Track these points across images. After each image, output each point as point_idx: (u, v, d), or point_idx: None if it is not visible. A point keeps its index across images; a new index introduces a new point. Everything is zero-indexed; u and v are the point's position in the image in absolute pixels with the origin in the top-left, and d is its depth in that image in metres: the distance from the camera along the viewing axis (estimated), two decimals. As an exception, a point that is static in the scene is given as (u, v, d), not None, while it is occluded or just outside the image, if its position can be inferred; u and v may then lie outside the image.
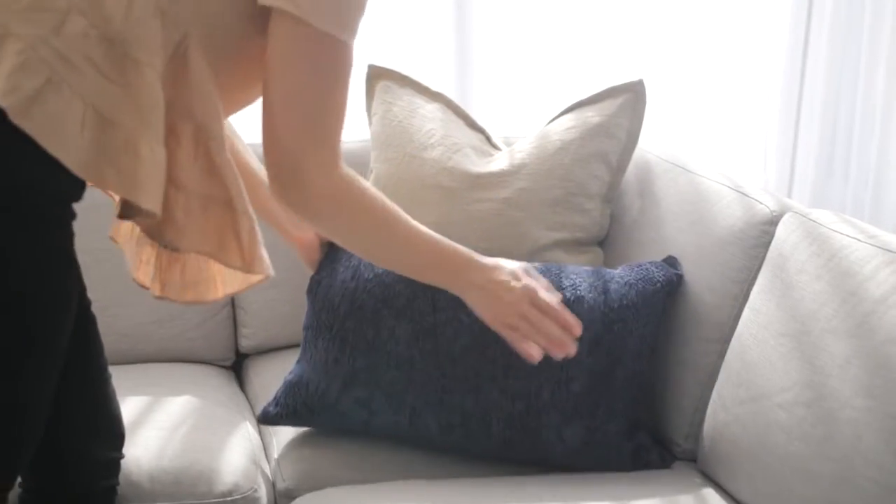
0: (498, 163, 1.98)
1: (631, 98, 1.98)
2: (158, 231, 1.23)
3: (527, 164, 1.96)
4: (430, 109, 2.05)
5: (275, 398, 1.68)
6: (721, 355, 1.64)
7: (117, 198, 1.39)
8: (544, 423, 1.59)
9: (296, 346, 2.10)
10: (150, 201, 1.16)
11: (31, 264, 1.16)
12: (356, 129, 2.21)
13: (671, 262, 1.74)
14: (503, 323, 1.38)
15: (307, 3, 1.21)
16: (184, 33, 1.21)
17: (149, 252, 1.37)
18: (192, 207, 1.22)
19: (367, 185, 1.33)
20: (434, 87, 2.10)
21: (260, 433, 1.81)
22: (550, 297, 1.38)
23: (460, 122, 2.06)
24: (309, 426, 1.68)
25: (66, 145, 1.11)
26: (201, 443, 1.67)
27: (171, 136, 1.21)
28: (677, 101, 2.42)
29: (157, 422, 1.71)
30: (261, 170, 1.52)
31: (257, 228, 1.27)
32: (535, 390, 1.58)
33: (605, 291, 1.64)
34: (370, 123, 2.10)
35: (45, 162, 1.12)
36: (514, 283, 1.37)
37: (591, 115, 1.98)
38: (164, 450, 1.63)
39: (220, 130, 1.24)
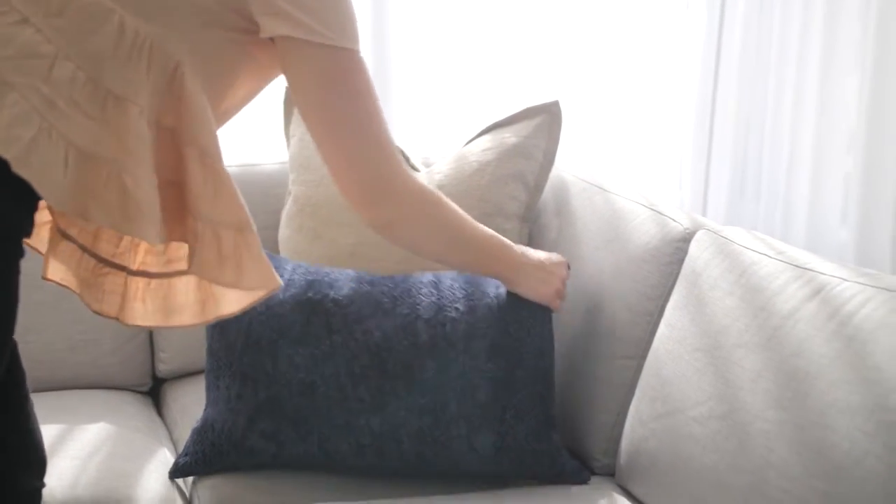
0: (416, 184, 1.99)
1: (547, 119, 2.01)
2: (188, 261, 1.25)
3: (444, 185, 1.97)
4: (349, 131, 2.05)
5: (184, 449, 1.65)
6: (638, 371, 1.66)
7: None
8: (454, 434, 1.58)
9: (214, 370, 2.08)
10: (141, 231, 1.19)
11: None
12: (274, 151, 2.21)
13: None
14: (556, 295, 1.62)
15: (318, 25, 1.26)
16: (176, 63, 1.23)
17: (114, 282, 1.38)
18: (205, 234, 1.25)
19: (436, 189, 1.48)
20: (352, 109, 2.09)
21: (178, 459, 1.78)
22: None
23: (379, 144, 2.06)
24: (220, 470, 1.64)
25: (52, 187, 1.15)
26: (117, 470, 1.64)
27: (179, 164, 1.24)
28: (593, 121, 2.45)
29: (72, 450, 1.68)
30: None
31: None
32: (441, 404, 1.58)
33: (498, 296, 1.64)
34: (288, 145, 2.10)
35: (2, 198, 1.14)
36: (554, 258, 1.63)
37: (508, 136, 2.00)
38: (78, 479, 1.60)
39: (220, 152, 1.27)
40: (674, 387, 1.53)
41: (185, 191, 1.25)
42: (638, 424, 1.60)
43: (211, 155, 1.25)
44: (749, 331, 1.43)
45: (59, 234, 1.41)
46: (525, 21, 2.39)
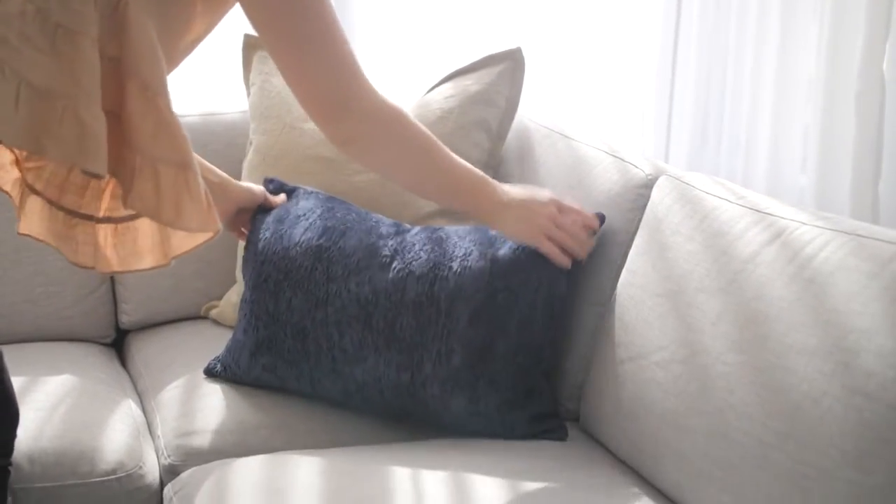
0: (379, 132, 1.98)
1: (510, 66, 2.00)
2: (123, 198, 1.23)
3: (408, 133, 1.96)
4: (310, 79, 2.03)
5: (216, 357, 1.76)
6: (601, 317, 1.67)
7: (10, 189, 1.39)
8: (429, 394, 1.60)
9: (178, 320, 2.08)
10: (95, 164, 1.18)
11: None
12: (235, 99, 2.19)
13: None
14: (541, 233, 1.52)
15: None
16: None
17: (85, 232, 1.36)
18: (144, 169, 1.23)
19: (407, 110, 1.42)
20: (313, 57, 2.08)
21: (144, 410, 1.78)
22: (571, 201, 1.55)
23: (341, 92, 2.05)
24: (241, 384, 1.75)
25: (3, 124, 1.13)
26: (82, 422, 1.63)
27: (120, 95, 1.22)
28: (556, 68, 2.45)
29: (35, 402, 1.67)
30: None
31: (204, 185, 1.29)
32: (417, 363, 1.58)
33: (494, 259, 1.60)
34: (248, 94, 2.08)
35: None
36: (540, 196, 1.52)
37: (471, 84, 1.99)
38: (42, 430, 1.59)
39: (165, 87, 1.25)
40: (636, 332, 1.55)
41: (124, 123, 1.23)
42: (601, 370, 1.62)
43: (152, 88, 1.23)
44: (710, 275, 1.44)
45: (28, 188, 1.40)
46: (487, -33, 2.37)
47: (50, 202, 1.39)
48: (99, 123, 1.18)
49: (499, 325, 1.59)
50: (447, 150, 1.47)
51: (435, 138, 1.45)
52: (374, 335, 1.60)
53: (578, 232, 1.57)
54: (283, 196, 1.78)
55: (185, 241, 1.36)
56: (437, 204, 1.62)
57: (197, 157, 1.64)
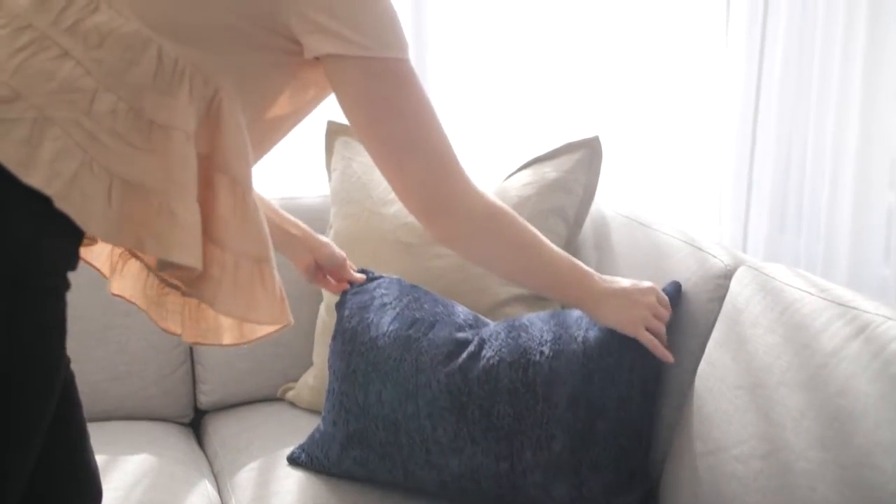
0: (457, 218, 1.99)
1: (587, 154, 2.02)
2: (196, 287, 1.26)
3: (485, 219, 1.97)
4: (390, 165, 2.06)
5: (300, 445, 1.77)
6: (678, 409, 1.65)
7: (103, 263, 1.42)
8: (530, 481, 1.58)
9: (254, 402, 2.10)
10: (190, 258, 1.20)
11: (30, 335, 1.16)
12: (316, 184, 2.23)
13: None
14: (640, 323, 1.55)
15: (358, 37, 1.24)
16: (215, 88, 1.24)
17: (174, 301, 1.40)
18: (226, 263, 1.25)
19: (509, 208, 1.43)
20: (393, 144, 2.11)
21: (219, 491, 1.79)
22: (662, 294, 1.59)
23: (419, 178, 2.07)
24: (328, 475, 1.74)
25: (96, 219, 1.16)
26: (159, 502, 1.65)
27: (208, 189, 1.24)
28: (633, 156, 2.46)
29: (114, 481, 1.69)
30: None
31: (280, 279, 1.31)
32: (517, 451, 1.57)
33: (585, 341, 1.60)
34: (330, 179, 2.12)
35: (49, 235, 1.15)
36: (641, 285, 1.56)
37: (549, 171, 2.01)
38: (120, 509, 1.61)
39: (251, 182, 1.27)
40: (715, 425, 1.52)
41: (208, 216, 1.24)
42: (679, 462, 1.59)
43: (242, 184, 1.25)
44: (791, 369, 1.42)
45: (128, 252, 1.43)
46: (565, 57, 2.40)
47: (148, 267, 1.42)
48: (194, 217, 1.20)
49: (598, 408, 1.58)
50: (549, 244, 1.48)
51: (538, 234, 1.46)
52: (469, 425, 1.58)
53: (663, 327, 1.59)
54: (363, 276, 1.80)
55: (258, 328, 1.38)
56: (537, 294, 1.61)
57: (280, 210, 1.67)
